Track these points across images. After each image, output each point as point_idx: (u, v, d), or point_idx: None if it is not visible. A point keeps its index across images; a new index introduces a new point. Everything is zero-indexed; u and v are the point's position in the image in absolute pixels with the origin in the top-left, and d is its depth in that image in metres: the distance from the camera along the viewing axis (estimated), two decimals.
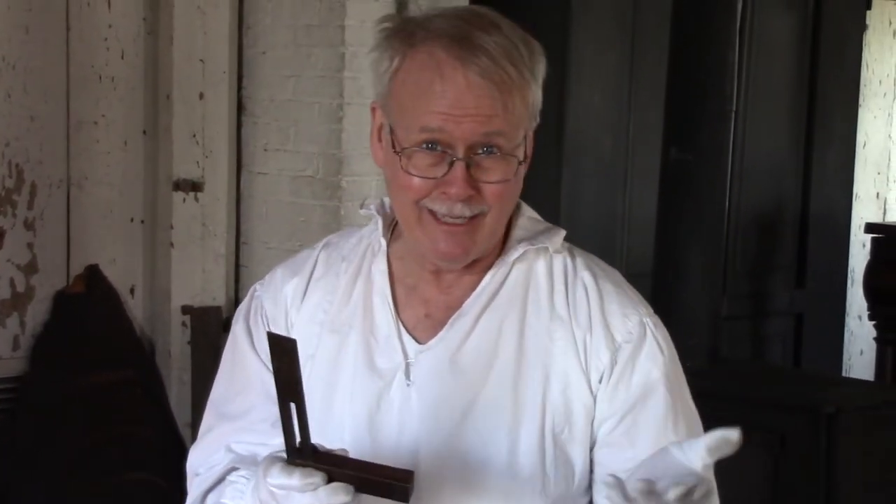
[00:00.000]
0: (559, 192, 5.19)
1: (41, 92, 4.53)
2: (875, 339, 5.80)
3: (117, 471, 4.35)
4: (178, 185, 4.71)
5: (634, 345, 1.73)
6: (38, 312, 4.60)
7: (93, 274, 4.66)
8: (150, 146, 4.77)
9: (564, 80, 5.13)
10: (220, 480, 1.79)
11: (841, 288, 6.57)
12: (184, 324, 4.75)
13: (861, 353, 6.85)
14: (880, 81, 6.98)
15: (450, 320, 1.73)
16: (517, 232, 1.77)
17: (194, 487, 1.82)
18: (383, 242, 1.78)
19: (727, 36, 4.45)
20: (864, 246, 6.39)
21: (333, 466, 1.55)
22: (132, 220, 4.78)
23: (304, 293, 1.81)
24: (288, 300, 1.81)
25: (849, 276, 6.62)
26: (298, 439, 1.55)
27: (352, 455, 1.60)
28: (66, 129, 4.60)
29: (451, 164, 1.64)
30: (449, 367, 1.71)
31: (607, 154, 5.37)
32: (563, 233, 1.80)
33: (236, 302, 4.63)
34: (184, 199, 4.73)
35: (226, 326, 4.42)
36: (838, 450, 3.99)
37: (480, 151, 1.64)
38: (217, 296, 4.79)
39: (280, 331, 1.79)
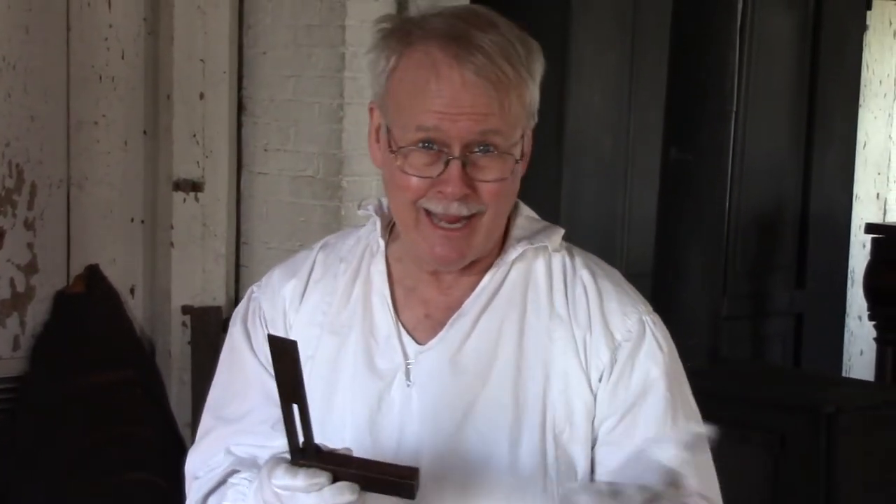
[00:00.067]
0: (559, 192, 5.19)
1: (41, 92, 4.53)
2: (875, 339, 5.80)
3: (117, 471, 4.35)
4: (179, 185, 4.71)
5: (634, 343, 1.73)
6: (38, 312, 4.60)
7: (93, 274, 4.67)
8: (150, 146, 4.77)
9: (564, 80, 5.13)
10: (221, 483, 1.78)
11: (841, 288, 6.57)
12: (184, 324, 4.75)
13: (861, 353, 6.85)
14: (880, 82, 6.98)
15: (449, 321, 1.73)
16: (516, 231, 1.77)
17: (194, 491, 1.82)
18: (381, 243, 1.78)
19: (727, 36, 4.45)
20: (864, 246, 6.39)
21: (338, 466, 1.54)
22: (132, 220, 4.78)
23: (302, 294, 1.81)
24: (286, 302, 1.81)
25: (849, 276, 6.62)
26: (301, 440, 1.54)
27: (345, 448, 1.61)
28: (66, 129, 4.61)
29: (447, 162, 1.64)
30: (449, 367, 1.71)
31: (607, 154, 5.37)
32: (561, 231, 1.80)
33: (236, 302, 4.63)
34: (184, 199, 4.73)
35: (226, 326, 4.41)
36: (838, 450, 3.99)
37: (477, 150, 1.64)
38: (217, 296, 4.79)
39: (278, 332, 1.79)
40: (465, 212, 1.66)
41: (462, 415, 1.69)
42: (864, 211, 6.82)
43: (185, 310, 4.74)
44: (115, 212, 4.73)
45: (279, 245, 4.65)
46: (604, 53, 5.31)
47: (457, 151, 1.63)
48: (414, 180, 1.66)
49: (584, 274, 1.77)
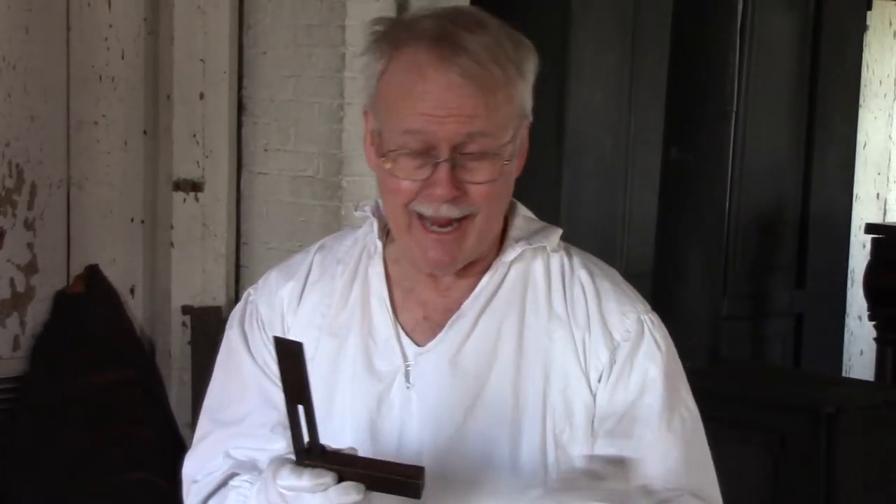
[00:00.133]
0: (559, 192, 5.19)
1: (41, 92, 4.53)
2: (875, 339, 5.79)
3: (117, 471, 4.35)
4: (179, 185, 4.71)
5: (633, 343, 1.73)
6: (38, 312, 4.60)
7: (93, 274, 4.67)
8: (150, 146, 4.77)
9: (564, 80, 5.13)
10: (221, 486, 1.78)
11: (841, 288, 6.57)
12: (184, 324, 4.75)
13: (861, 353, 6.85)
14: (881, 82, 6.98)
15: (448, 322, 1.73)
16: (514, 232, 1.76)
17: (193, 494, 1.81)
18: (379, 245, 1.78)
19: (727, 36, 4.45)
20: (864, 246, 6.39)
21: (343, 466, 1.54)
22: (132, 220, 4.79)
23: (300, 297, 1.80)
24: (284, 304, 1.81)
25: (849, 276, 6.62)
26: (307, 440, 1.54)
27: (349, 447, 1.61)
28: (66, 129, 4.61)
29: (436, 165, 1.63)
30: (449, 369, 1.71)
31: (607, 154, 5.37)
32: (559, 231, 1.79)
33: (236, 302, 4.61)
34: (184, 199, 4.73)
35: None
36: (838, 450, 3.99)
37: (465, 152, 1.63)
38: (217, 296, 4.79)
39: (276, 334, 1.79)
40: (455, 214, 1.65)
41: (462, 416, 1.69)
42: (864, 211, 6.82)
43: (185, 310, 4.74)
44: (115, 212, 4.74)
45: (279, 245, 4.65)
46: (604, 53, 5.31)
47: (445, 154, 1.63)
48: (404, 183, 1.65)
49: (583, 274, 1.76)
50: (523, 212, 1.80)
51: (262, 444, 1.77)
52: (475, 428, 1.69)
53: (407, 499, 1.55)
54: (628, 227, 5.44)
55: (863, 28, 6.64)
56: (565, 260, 1.78)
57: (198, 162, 4.74)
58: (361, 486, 1.53)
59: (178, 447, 4.48)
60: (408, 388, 1.71)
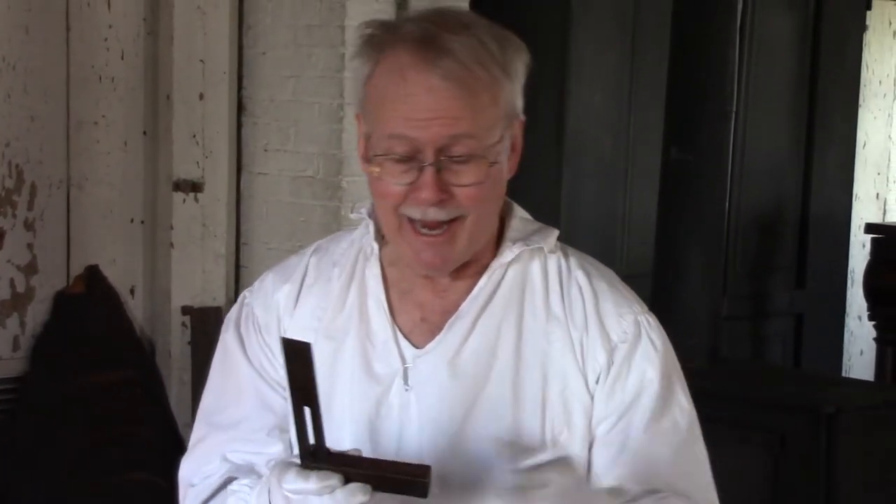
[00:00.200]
0: (559, 192, 5.20)
1: (41, 92, 4.53)
2: (875, 339, 5.80)
3: (117, 471, 4.35)
4: (178, 186, 4.71)
5: (630, 344, 1.73)
6: (38, 313, 4.60)
7: (93, 274, 4.66)
8: (150, 146, 4.77)
9: (564, 80, 5.13)
10: (219, 490, 1.78)
11: (841, 288, 6.57)
12: (184, 324, 4.75)
13: (861, 353, 6.85)
14: (880, 82, 6.98)
15: (447, 324, 1.72)
16: (511, 233, 1.76)
17: (190, 498, 1.81)
18: (375, 247, 1.77)
19: (727, 36, 4.45)
20: (864, 246, 6.39)
21: (349, 467, 1.53)
22: (132, 220, 4.78)
23: (296, 299, 1.80)
24: (280, 306, 1.80)
25: (849, 276, 6.62)
26: (312, 442, 1.54)
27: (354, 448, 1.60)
28: (66, 129, 4.60)
29: (421, 169, 1.63)
30: (447, 370, 1.71)
31: (607, 154, 5.38)
32: (556, 232, 1.79)
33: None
34: (184, 200, 4.73)
35: None
36: (838, 450, 3.99)
37: (450, 155, 1.62)
38: (217, 296, 4.79)
39: (272, 338, 1.79)
40: (443, 216, 1.65)
41: (461, 418, 1.69)
42: (864, 211, 6.82)
43: (185, 310, 4.74)
44: (115, 212, 4.73)
45: (279, 245, 4.65)
46: (604, 53, 5.31)
47: (430, 157, 1.62)
48: (392, 187, 1.65)
49: (580, 275, 1.76)
50: (520, 213, 1.79)
51: (260, 447, 1.77)
52: (474, 429, 1.69)
53: (413, 499, 1.55)
54: (628, 227, 5.44)
55: (862, 28, 6.64)
56: (562, 261, 1.77)
57: (198, 162, 4.74)
58: (368, 487, 1.52)
59: (178, 447, 4.48)
60: (406, 390, 1.71)
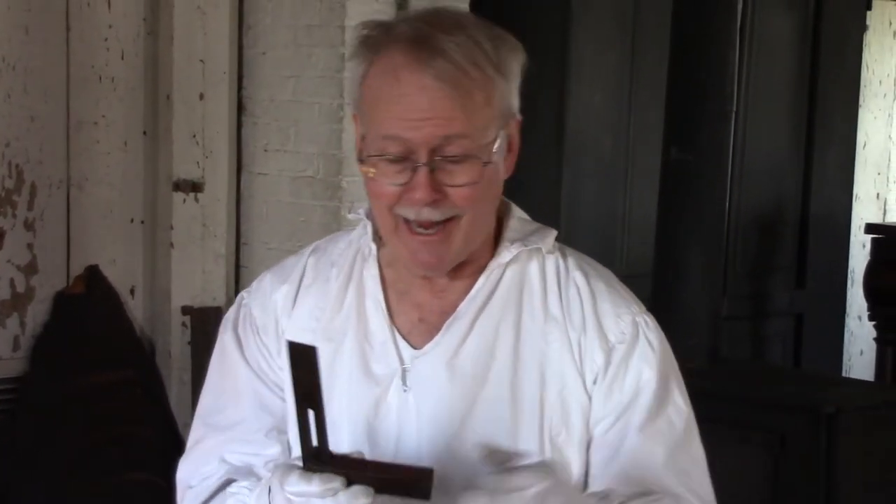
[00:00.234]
0: (559, 192, 5.20)
1: (41, 92, 4.53)
2: (875, 339, 5.80)
3: (117, 471, 4.35)
4: (178, 186, 4.71)
5: (628, 345, 1.73)
6: (38, 313, 4.60)
7: (93, 274, 4.67)
8: (150, 146, 4.77)
9: (564, 80, 5.13)
10: (218, 492, 1.78)
11: (841, 288, 6.57)
12: (184, 324, 4.75)
13: (861, 353, 6.85)
14: (880, 82, 6.98)
15: (445, 324, 1.72)
16: (509, 233, 1.76)
17: (188, 500, 1.81)
18: (373, 248, 1.77)
19: (727, 36, 4.45)
20: (864, 246, 6.39)
21: (351, 470, 1.53)
22: (132, 220, 4.78)
23: (294, 300, 1.80)
24: (278, 307, 1.80)
25: (849, 276, 6.62)
26: (314, 445, 1.53)
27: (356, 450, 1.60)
28: (66, 129, 4.60)
29: (415, 169, 1.62)
30: (446, 371, 1.70)
31: (607, 154, 5.38)
32: (554, 233, 1.78)
33: None
34: (184, 200, 4.73)
35: None
36: (838, 450, 3.99)
37: (444, 155, 1.62)
38: (217, 296, 4.79)
39: (270, 338, 1.79)
40: (437, 217, 1.64)
41: (460, 419, 1.69)
42: (864, 211, 6.82)
43: (185, 310, 4.74)
44: (115, 212, 4.73)
45: (279, 245, 4.65)
46: (604, 53, 5.31)
47: (423, 158, 1.62)
48: (386, 188, 1.65)
49: (578, 275, 1.76)
50: (518, 213, 1.79)
51: (258, 449, 1.77)
52: (473, 430, 1.69)
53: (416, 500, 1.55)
54: (628, 227, 5.44)
55: (863, 28, 6.64)
56: (560, 261, 1.77)
57: (198, 162, 4.74)
58: (370, 490, 1.52)
59: (178, 447, 4.46)
60: (405, 391, 1.71)
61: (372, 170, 1.65)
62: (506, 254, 1.74)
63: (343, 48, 4.46)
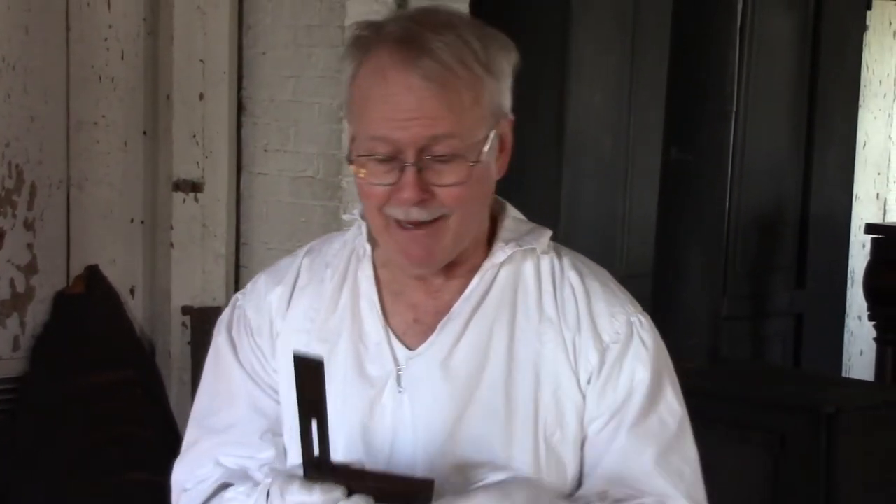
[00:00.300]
0: (559, 192, 5.19)
1: (41, 92, 4.53)
2: (875, 339, 5.79)
3: (117, 471, 4.35)
4: (178, 186, 4.71)
5: (622, 345, 1.73)
6: (38, 313, 4.60)
7: (93, 274, 4.67)
8: (150, 146, 4.77)
9: (564, 80, 5.13)
10: (213, 496, 1.78)
11: (841, 288, 6.57)
12: (184, 324, 4.75)
13: (861, 353, 6.85)
14: (880, 82, 6.98)
15: (439, 325, 1.72)
16: (503, 233, 1.75)
17: (183, 503, 1.81)
18: (368, 248, 1.77)
19: (727, 36, 4.45)
20: (864, 246, 6.39)
21: (352, 480, 1.53)
22: (132, 220, 4.79)
23: (289, 301, 1.79)
24: (272, 308, 1.80)
25: (849, 276, 6.62)
26: (316, 455, 1.53)
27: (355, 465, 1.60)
28: (66, 129, 4.61)
29: (403, 169, 1.62)
30: (440, 372, 1.70)
31: (607, 154, 5.37)
32: (549, 233, 1.78)
33: None
34: (184, 200, 4.73)
35: None
36: (838, 450, 3.99)
37: (432, 155, 1.62)
38: (217, 296, 4.79)
39: (264, 339, 1.79)
40: (425, 217, 1.64)
41: (454, 419, 1.69)
42: (864, 211, 6.82)
43: (185, 310, 4.74)
44: (115, 212, 4.74)
45: (279, 245, 4.65)
46: (604, 53, 5.31)
47: (411, 158, 1.61)
48: (375, 188, 1.65)
49: (572, 275, 1.76)
50: (513, 213, 1.79)
51: (252, 452, 1.77)
52: (467, 431, 1.69)
53: None
54: (628, 227, 5.44)
55: (863, 28, 6.64)
56: (555, 261, 1.77)
57: (198, 162, 4.74)
58: (371, 500, 1.52)
59: (178, 447, 4.47)
60: (400, 392, 1.71)
61: (362, 170, 1.65)
62: (500, 254, 1.74)
63: (343, 48, 4.45)
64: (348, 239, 1.81)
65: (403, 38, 1.62)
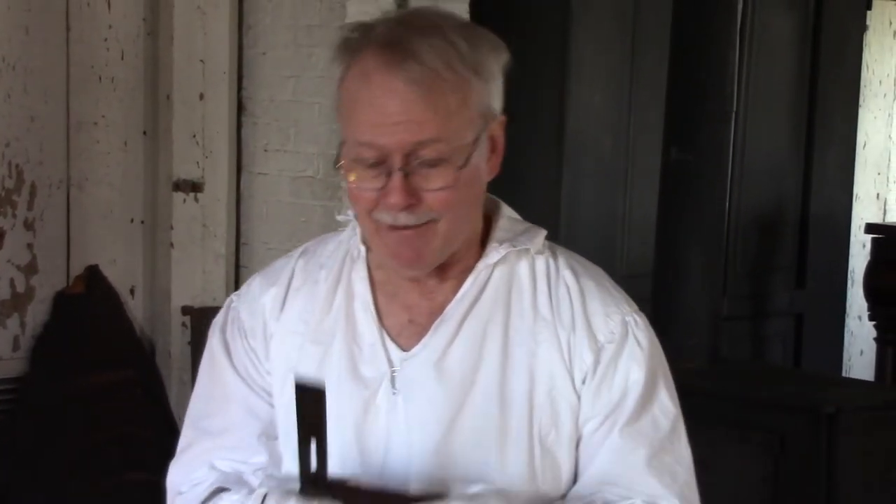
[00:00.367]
0: (559, 192, 5.19)
1: (41, 92, 4.53)
2: (875, 339, 5.79)
3: (117, 471, 4.35)
4: (178, 186, 4.72)
5: (617, 344, 1.72)
6: (38, 313, 4.60)
7: (93, 274, 4.67)
8: (150, 147, 4.77)
9: (564, 80, 5.12)
10: (208, 500, 1.77)
11: (841, 288, 6.56)
12: (184, 324, 4.75)
13: (861, 353, 6.84)
14: (880, 82, 6.98)
15: (433, 326, 1.71)
16: (498, 233, 1.75)
17: None
18: (362, 249, 1.76)
19: (727, 36, 4.45)
20: (864, 246, 6.39)
21: (348, 496, 1.54)
22: (132, 220, 4.79)
23: (282, 303, 1.79)
24: (266, 310, 1.79)
25: (849, 276, 6.62)
26: (313, 471, 1.53)
27: (351, 474, 1.60)
28: (66, 129, 4.61)
29: (390, 174, 1.61)
30: (434, 373, 1.70)
31: (607, 154, 5.37)
32: (543, 232, 1.77)
33: None
34: (184, 200, 4.73)
35: None
36: (838, 450, 3.99)
37: (419, 159, 1.61)
38: (217, 296, 4.79)
39: (258, 341, 1.78)
40: (412, 221, 1.63)
41: (449, 420, 1.68)
42: (864, 211, 6.81)
43: (185, 310, 4.74)
44: (115, 212, 4.74)
45: (279, 245, 4.65)
46: (604, 53, 5.31)
47: (397, 163, 1.60)
48: (365, 193, 1.64)
49: (567, 274, 1.75)
50: (508, 212, 1.78)
51: (246, 456, 1.77)
52: (462, 432, 1.68)
53: None
54: (628, 227, 5.43)
55: (863, 28, 6.63)
56: (550, 261, 1.76)
57: (198, 162, 4.74)
58: None
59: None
60: (394, 393, 1.70)
61: (351, 175, 1.65)
62: (494, 254, 1.73)
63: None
64: (343, 240, 1.80)
65: (389, 41, 1.60)
